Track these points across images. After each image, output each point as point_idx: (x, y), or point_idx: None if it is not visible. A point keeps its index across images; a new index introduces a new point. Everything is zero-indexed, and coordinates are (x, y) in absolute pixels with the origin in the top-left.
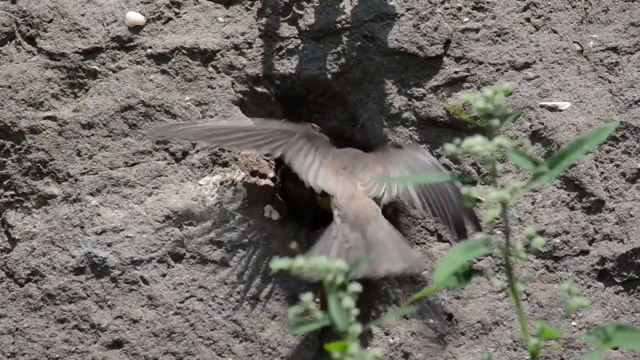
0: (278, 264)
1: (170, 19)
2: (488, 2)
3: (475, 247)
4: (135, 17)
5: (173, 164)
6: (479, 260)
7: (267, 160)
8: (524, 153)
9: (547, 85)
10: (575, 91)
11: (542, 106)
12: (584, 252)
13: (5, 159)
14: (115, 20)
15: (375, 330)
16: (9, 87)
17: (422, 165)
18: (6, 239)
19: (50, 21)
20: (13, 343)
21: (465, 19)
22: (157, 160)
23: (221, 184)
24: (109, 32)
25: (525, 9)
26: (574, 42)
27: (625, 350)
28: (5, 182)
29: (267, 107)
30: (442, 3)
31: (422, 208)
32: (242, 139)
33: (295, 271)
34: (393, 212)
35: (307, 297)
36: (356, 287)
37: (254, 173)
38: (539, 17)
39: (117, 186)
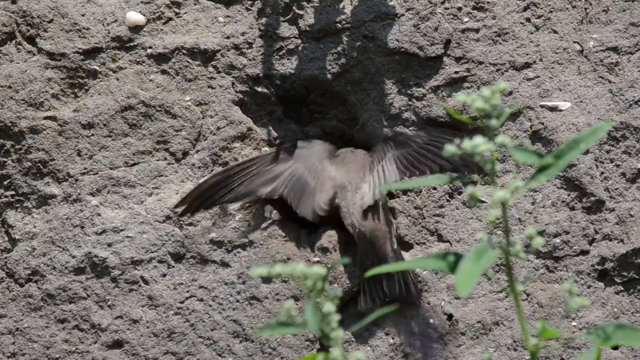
0: (257, 271)
1: (170, 19)
2: (488, 2)
3: (484, 253)
4: (135, 17)
5: (173, 164)
6: None
7: None
8: (526, 149)
9: (547, 85)
10: (576, 91)
11: (542, 106)
12: (584, 252)
13: (5, 159)
14: (116, 20)
15: (375, 330)
16: (9, 87)
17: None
18: (6, 239)
19: (51, 21)
20: (13, 343)
21: (466, 19)
22: (157, 160)
23: None
24: (109, 32)
25: (525, 9)
26: (574, 42)
27: (625, 350)
28: (5, 182)
29: (267, 107)
30: (442, 3)
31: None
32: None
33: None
34: (391, 210)
35: (289, 304)
36: (337, 291)
37: None
38: (539, 17)
39: (118, 186)
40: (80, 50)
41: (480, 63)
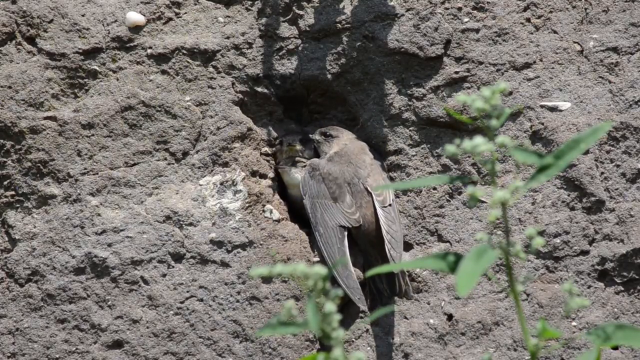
0: (257, 271)
1: (170, 19)
2: (488, 2)
3: (484, 253)
4: (135, 17)
5: (173, 164)
6: None
7: (267, 161)
8: (526, 149)
9: (547, 85)
10: (576, 91)
11: (542, 106)
12: (584, 252)
13: (5, 159)
14: (116, 21)
15: (376, 330)
16: (9, 87)
17: None
18: (6, 239)
19: (51, 21)
20: (13, 343)
21: (466, 19)
22: (157, 160)
23: (221, 184)
24: (109, 32)
25: (525, 9)
26: (574, 42)
27: (626, 350)
28: (5, 182)
29: (267, 107)
30: (442, 3)
31: None
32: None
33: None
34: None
35: (289, 303)
36: (338, 292)
37: (254, 173)
38: (539, 17)
39: (118, 186)
40: (80, 51)
41: (480, 63)
